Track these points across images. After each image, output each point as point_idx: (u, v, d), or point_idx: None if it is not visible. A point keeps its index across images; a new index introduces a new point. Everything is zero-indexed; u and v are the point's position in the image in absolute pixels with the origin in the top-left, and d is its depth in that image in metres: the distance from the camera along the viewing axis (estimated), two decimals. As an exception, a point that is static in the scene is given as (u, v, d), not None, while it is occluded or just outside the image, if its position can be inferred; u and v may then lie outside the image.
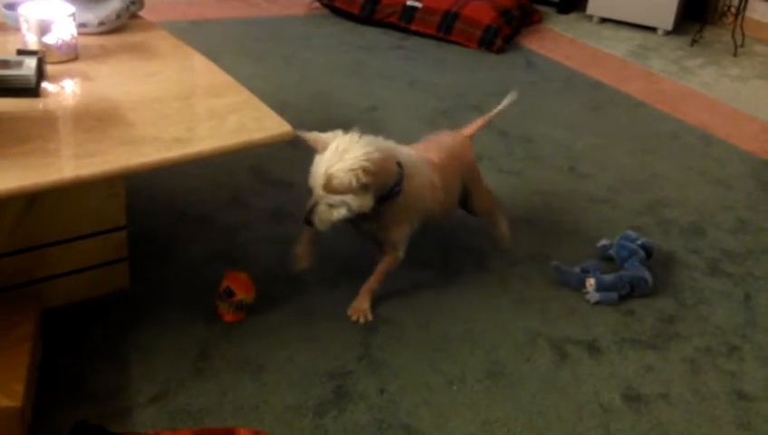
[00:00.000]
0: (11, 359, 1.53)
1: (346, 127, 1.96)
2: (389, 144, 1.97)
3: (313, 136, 1.87)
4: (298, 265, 2.08)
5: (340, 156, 1.80)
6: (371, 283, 2.04)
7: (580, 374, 1.91)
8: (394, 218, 1.97)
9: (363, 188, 1.81)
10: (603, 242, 2.39)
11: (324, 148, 1.84)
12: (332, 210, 1.84)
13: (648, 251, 2.31)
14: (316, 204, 1.84)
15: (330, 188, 1.80)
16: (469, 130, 2.34)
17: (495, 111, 2.36)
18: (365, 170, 1.78)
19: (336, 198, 1.81)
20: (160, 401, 1.69)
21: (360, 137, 1.85)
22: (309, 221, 1.87)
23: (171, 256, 2.20)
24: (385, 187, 1.89)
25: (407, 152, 2.03)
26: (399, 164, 1.93)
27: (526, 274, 2.28)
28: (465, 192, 2.24)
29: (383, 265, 2.04)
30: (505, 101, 2.35)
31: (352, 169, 1.77)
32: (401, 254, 2.03)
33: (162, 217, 2.38)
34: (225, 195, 2.54)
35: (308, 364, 1.84)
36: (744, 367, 1.99)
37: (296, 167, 2.73)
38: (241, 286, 1.95)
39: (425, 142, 2.24)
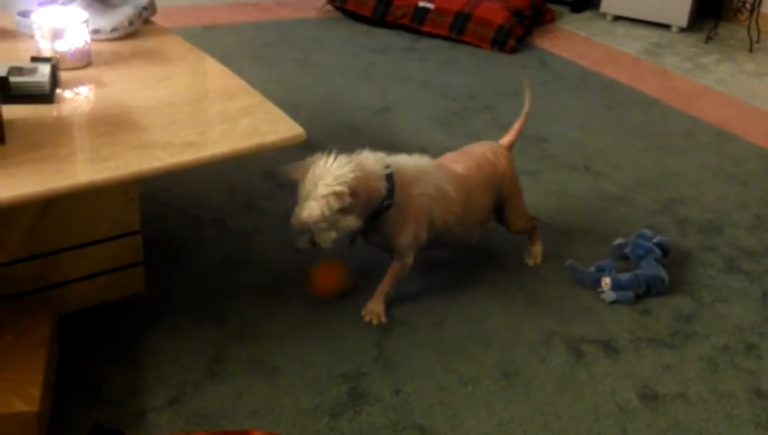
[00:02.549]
0: (27, 364, 1.54)
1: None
2: (375, 158, 1.91)
3: (291, 167, 1.86)
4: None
5: (315, 184, 1.79)
6: (384, 285, 2.04)
7: (597, 374, 1.90)
8: (395, 228, 1.95)
9: (343, 211, 1.80)
10: (619, 241, 2.38)
11: (304, 175, 1.83)
12: (324, 234, 1.84)
13: (665, 249, 2.29)
14: (315, 232, 1.85)
15: (304, 220, 1.79)
16: (507, 138, 2.26)
17: (525, 108, 2.28)
18: (337, 195, 1.77)
19: (322, 224, 1.81)
20: (176, 404, 1.69)
21: (335, 159, 1.82)
22: (314, 243, 1.88)
23: (185, 260, 2.21)
24: (371, 202, 1.87)
25: (405, 162, 1.98)
26: (390, 176, 1.90)
27: (541, 273, 2.28)
28: (500, 205, 2.19)
29: (393, 271, 2.04)
30: (527, 93, 2.28)
31: (324, 197, 1.76)
32: (409, 260, 2.02)
33: (176, 221, 2.40)
34: (239, 199, 2.55)
35: (323, 366, 1.84)
36: (763, 365, 1.97)
37: (309, 169, 2.74)
38: (329, 278, 2.03)
39: (457, 152, 2.19)
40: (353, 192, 1.79)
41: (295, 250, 1.90)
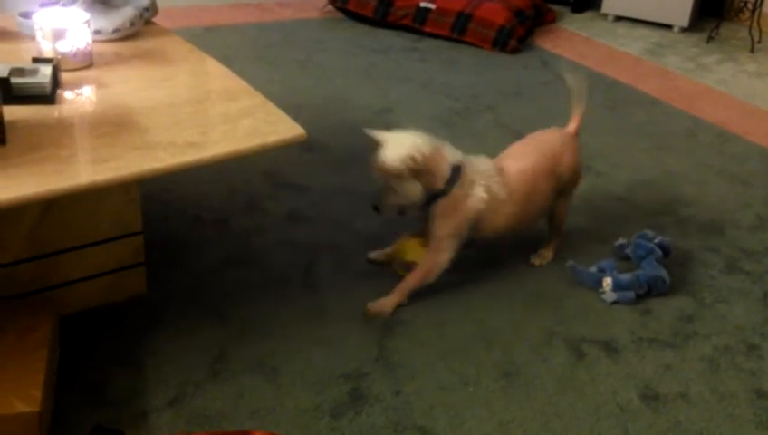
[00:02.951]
0: (28, 364, 1.54)
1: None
2: (451, 148, 2.07)
3: (379, 134, 2.02)
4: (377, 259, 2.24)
5: (395, 145, 1.97)
6: (408, 282, 2.07)
7: (598, 374, 1.90)
8: (440, 215, 2.04)
9: (411, 175, 1.96)
10: (620, 241, 2.38)
11: (386, 139, 2.01)
12: (389, 195, 2.00)
13: (666, 250, 2.29)
14: (380, 191, 2.01)
15: (382, 169, 1.97)
16: (572, 125, 2.31)
17: (578, 95, 2.32)
18: (411, 158, 1.94)
19: (390, 184, 1.98)
20: (177, 404, 1.70)
21: (417, 134, 2.02)
22: (375, 207, 2.03)
23: (187, 260, 2.21)
24: (433, 181, 2.00)
25: (473, 163, 2.09)
26: (457, 168, 2.02)
27: (542, 273, 2.28)
28: (558, 194, 2.25)
29: (423, 265, 2.07)
30: (571, 81, 2.33)
31: (400, 156, 1.94)
32: (443, 257, 2.06)
33: (177, 222, 2.40)
34: (240, 199, 2.55)
35: (324, 366, 1.85)
36: (764, 365, 1.97)
37: (310, 170, 2.74)
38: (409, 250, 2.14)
39: (524, 142, 2.26)
40: (423, 161, 1.96)
41: (372, 209, 2.06)
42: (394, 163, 1.94)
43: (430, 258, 2.07)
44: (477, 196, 2.04)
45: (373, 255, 2.26)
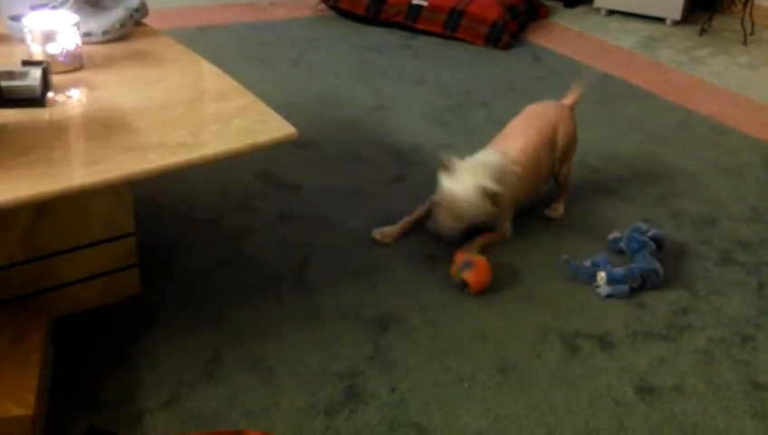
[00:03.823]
0: (22, 368, 1.54)
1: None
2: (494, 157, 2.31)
3: (448, 161, 2.21)
4: (383, 240, 2.33)
5: (469, 182, 2.17)
6: (482, 240, 2.32)
7: (592, 368, 1.90)
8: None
9: (490, 205, 2.20)
10: (614, 234, 2.38)
11: (453, 171, 2.20)
12: (456, 222, 2.22)
13: (659, 243, 2.30)
14: (441, 218, 2.21)
15: (459, 216, 2.20)
16: (570, 99, 2.63)
17: (584, 80, 2.67)
18: (487, 195, 2.18)
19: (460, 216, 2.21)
20: (171, 405, 1.70)
21: (487, 165, 2.24)
22: (438, 236, 2.24)
23: (179, 261, 2.21)
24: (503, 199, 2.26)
25: (491, 159, 2.30)
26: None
27: (536, 268, 2.28)
28: (558, 158, 2.51)
29: (494, 235, 2.36)
30: (585, 75, 2.72)
31: (477, 198, 2.17)
32: (508, 227, 2.39)
33: (170, 222, 2.39)
34: (233, 199, 2.55)
35: (318, 365, 1.85)
36: (759, 357, 1.97)
37: (302, 169, 2.74)
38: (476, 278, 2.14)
39: (521, 119, 2.51)
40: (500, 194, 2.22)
41: (372, 240, 2.24)
42: (469, 212, 2.18)
43: (502, 230, 2.36)
44: (508, 191, 2.27)
45: (378, 236, 2.33)
